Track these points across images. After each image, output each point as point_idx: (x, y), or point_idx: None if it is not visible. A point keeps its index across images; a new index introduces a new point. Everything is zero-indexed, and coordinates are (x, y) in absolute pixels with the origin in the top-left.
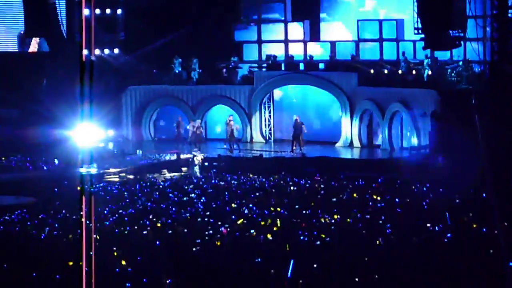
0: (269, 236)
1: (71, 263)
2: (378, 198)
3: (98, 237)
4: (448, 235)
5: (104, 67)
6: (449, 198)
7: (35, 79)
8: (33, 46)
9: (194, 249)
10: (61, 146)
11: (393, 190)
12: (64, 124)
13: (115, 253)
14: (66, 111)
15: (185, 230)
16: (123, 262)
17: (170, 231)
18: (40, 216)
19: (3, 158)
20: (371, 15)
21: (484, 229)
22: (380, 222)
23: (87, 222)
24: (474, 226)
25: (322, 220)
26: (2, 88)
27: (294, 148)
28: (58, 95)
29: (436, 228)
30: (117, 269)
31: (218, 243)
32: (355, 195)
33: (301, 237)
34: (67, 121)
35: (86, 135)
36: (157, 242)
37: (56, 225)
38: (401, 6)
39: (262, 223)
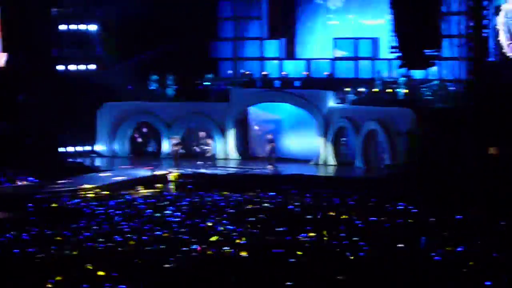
0: (243, 253)
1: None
2: (353, 216)
3: (73, 253)
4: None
5: (80, 82)
6: (424, 217)
7: (11, 94)
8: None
9: (168, 266)
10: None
11: (368, 208)
12: (41, 139)
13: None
14: (43, 126)
15: (160, 247)
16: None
17: (144, 248)
18: (13, 232)
19: None
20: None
21: (460, 248)
22: (355, 239)
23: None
24: (449, 245)
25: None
26: None
27: (270, 166)
28: (34, 110)
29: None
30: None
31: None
32: (330, 213)
33: (275, 254)
34: (44, 136)
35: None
36: (132, 258)
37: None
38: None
39: (237, 240)
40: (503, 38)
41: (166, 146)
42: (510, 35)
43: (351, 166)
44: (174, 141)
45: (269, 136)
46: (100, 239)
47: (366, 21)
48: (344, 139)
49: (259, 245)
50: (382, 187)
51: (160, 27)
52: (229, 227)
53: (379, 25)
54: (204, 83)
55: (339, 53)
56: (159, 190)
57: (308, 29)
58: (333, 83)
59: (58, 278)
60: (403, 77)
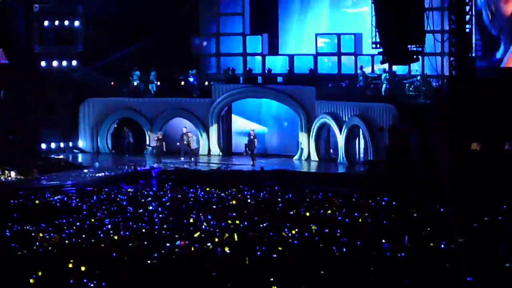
0: (226, 249)
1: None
2: (336, 212)
3: (55, 250)
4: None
5: (62, 78)
6: (407, 212)
7: None
8: None
9: (150, 262)
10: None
11: (350, 204)
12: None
13: (71, 265)
14: (25, 122)
15: (144, 243)
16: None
17: (127, 244)
18: None
19: None
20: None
21: (442, 245)
22: (338, 235)
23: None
24: (432, 241)
25: (282, 233)
26: None
27: (254, 161)
28: (16, 106)
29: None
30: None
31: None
32: (313, 209)
33: (258, 251)
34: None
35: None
36: (113, 254)
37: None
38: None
39: (225, 235)
40: None
41: (148, 142)
42: None
43: (333, 161)
44: (156, 137)
45: (251, 132)
46: (83, 235)
47: (349, 9)
48: (327, 134)
49: (242, 241)
50: (364, 182)
51: (143, 23)
52: (212, 223)
53: (361, 12)
54: (188, 79)
55: (322, 42)
56: (141, 186)
57: (290, 24)
58: (315, 79)
59: (40, 273)
60: (385, 73)
